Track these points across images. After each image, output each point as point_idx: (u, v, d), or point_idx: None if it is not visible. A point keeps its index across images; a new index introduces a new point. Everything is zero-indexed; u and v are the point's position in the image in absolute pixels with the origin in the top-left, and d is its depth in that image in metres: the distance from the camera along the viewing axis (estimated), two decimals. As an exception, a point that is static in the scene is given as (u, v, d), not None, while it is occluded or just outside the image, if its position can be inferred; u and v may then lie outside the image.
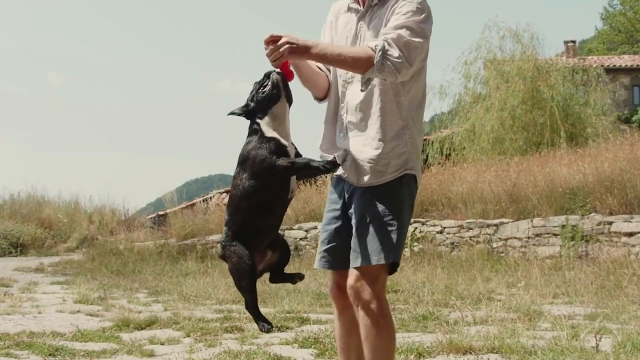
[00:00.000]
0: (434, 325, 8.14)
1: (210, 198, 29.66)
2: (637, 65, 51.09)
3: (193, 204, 27.13)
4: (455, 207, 17.94)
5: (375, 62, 3.95)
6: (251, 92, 4.12)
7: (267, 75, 4.09)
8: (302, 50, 3.94)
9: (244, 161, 4.05)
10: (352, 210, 4.23)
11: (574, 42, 53.00)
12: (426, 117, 43.63)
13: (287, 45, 3.90)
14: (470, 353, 6.63)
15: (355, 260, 4.14)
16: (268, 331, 4.06)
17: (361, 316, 4.14)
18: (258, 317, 4.09)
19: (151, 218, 28.30)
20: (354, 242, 4.16)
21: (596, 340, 6.39)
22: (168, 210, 25.54)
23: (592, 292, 10.63)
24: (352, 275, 4.15)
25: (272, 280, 4.43)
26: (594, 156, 17.76)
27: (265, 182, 3.98)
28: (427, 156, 29.08)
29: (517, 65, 29.34)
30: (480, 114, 28.92)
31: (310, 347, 7.08)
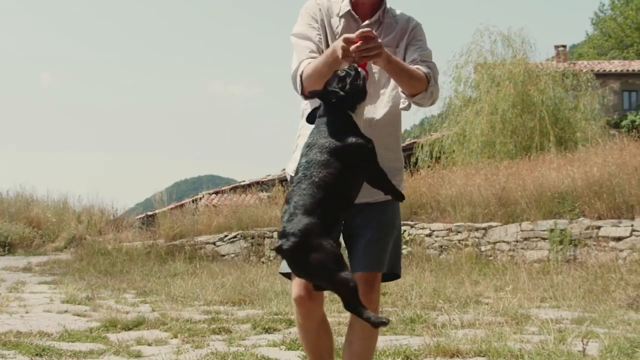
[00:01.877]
0: (422, 328, 8.14)
1: (200, 199, 29.66)
2: (627, 70, 51.35)
3: (182, 205, 27.12)
4: (444, 210, 17.97)
5: (428, 88, 4.13)
6: (339, 81, 3.86)
7: (356, 70, 3.87)
8: (386, 57, 3.88)
9: (345, 151, 3.77)
10: (360, 221, 4.23)
11: (564, 46, 53.22)
12: (416, 120, 43.68)
13: (382, 48, 3.81)
14: (458, 356, 6.64)
15: (376, 266, 4.23)
16: (386, 323, 3.68)
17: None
18: (366, 310, 3.68)
19: (140, 218, 28.24)
20: (371, 249, 4.20)
21: (583, 344, 6.40)
22: (157, 211, 25.52)
23: (580, 296, 10.65)
24: (368, 281, 4.20)
25: (317, 287, 4.11)
26: (583, 161, 17.80)
27: (359, 179, 3.85)
28: (416, 159, 29.14)
29: (507, 69, 29.44)
30: (470, 117, 28.99)
31: (298, 349, 7.07)
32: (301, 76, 4.12)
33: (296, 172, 3.78)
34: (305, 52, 4.19)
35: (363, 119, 4.04)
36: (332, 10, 4.35)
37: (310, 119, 4.02)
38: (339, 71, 3.89)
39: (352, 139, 3.79)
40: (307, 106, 4.30)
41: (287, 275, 4.24)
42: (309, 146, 3.80)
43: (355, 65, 3.87)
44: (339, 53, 3.83)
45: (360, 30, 3.77)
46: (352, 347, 4.31)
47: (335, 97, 3.82)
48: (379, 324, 3.64)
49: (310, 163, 3.73)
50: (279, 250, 3.66)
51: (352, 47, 3.75)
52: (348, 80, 3.82)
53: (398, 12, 4.42)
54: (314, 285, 4.01)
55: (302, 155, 3.79)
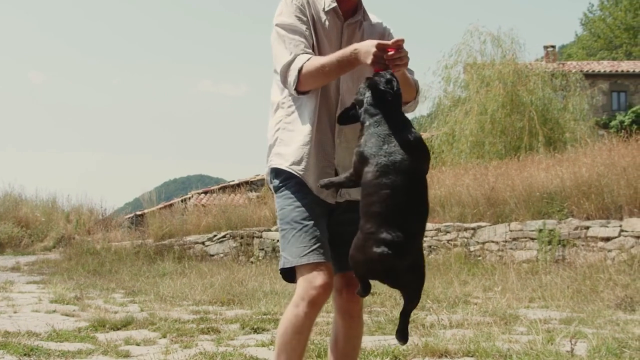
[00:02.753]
0: (410, 328, 8.12)
1: (189, 198, 29.66)
2: (616, 71, 51.57)
3: (171, 204, 27.13)
4: (433, 210, 17.95)
5: (416, 96, 4.30)
6: (386, 82, 3.81)
7: (395, 77, 3.85)
8: None
9: (423, 147, 3.77)
10: (346, 219, 4.15)
11: (553, 47, 53.42)
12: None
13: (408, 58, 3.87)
14: (446, 356, 6.64)
15: None
16: (405, 342, 3.79)
17: (358, 318, 4.29)
18: (407, 327, 3.78)
19: (129, 218, 28.25)
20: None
21: (571, 344, 6.42)
22: (146, 210, 25.53)
23: (568, 296, 10.66)
24: (355, 280, 4.15)
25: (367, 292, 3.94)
26: (571, 161, 17.84)
27: None
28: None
29: (497, 69, 29.49)
30: (460, 117, 29.04)
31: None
32: (300, 71, 4.03)
33: (385, 171, 3.60)
34: (299, 46, 4.10)
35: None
36: (317, 4, 4.26)
37: (344, 119, 3.99)
38: (383, 73, 3.84)
39: (420, 135, 3.81)
40: (285, 99, 4.23)
41: (286, 275, 4.12)
42: (385, 141, 3.68)
43: (391, 71, 3.85)
44: (369, 58, 3.81)
45: (396, 39, 3.78)
46: (338, 347, 4.29)
47: (391, 97, 3.80)
48: (405, 340, 3.76)
49: (405, 158, 3.63)
50: (388, 257, 3.53)
51: (387, 55, 3.77)
52: (395, 84, 3.81)
53: (369, 14, 4.41)
54: (365, 288, 3.81)
55: (382, 154, 3.64)
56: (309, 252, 4.00)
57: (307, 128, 4.16)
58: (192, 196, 30.80)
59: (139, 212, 28.25)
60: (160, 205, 26.52)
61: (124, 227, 25.86)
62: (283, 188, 4.22)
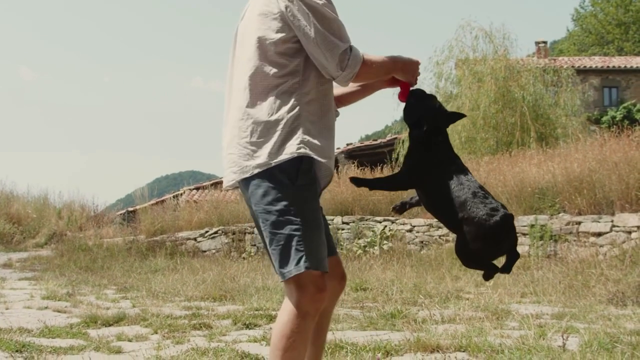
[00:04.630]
0: (402, 324, 8.15)
1: (181, 194, 29.58)
2: (607, 66, 51.66)
3: (163, 201, 27.04)
4: (425, 205, 17.93)
5: None
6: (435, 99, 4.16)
7: None
8: None
9: None
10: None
11: (545, 42, 53.53)
12: (397, 116, 43.75)
13: None
14: (438, 351, 6.64)
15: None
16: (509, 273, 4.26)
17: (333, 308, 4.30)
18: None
19: (121, 214, 28.17)
20: (330, 233, 4.17)
21: (563, 339, 6.42)
22: (138, 207, 25.45)
23: (560, 291, 10.68)
24: (340, 262, 4.30)
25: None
26: (563, 156, 17.83)
27: None
28: (397, 155, 29.07)
29: (489, 65, 29.48)
30: (452, 113, 29.01)
31: (278, 344, 7.04)
32: (362, 62, 3.79)
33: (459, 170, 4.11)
34: (348, 36, 3.84)
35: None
36: None
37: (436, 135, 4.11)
38: (429, 93, 4.17)
39: None
40: (299, 84, 3.82)
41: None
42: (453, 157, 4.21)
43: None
44: (414, 76, 4.03)
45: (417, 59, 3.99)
46: (320, 340, 4.18)
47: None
48: (509, 271, 4.27)
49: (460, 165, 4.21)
50: (507, 218, 3.94)
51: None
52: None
53: None
54: (490, 272, 4.19)
55: (452, 163, 4.15)
56: (323, 260, 3.80)
57: (331, 125, 3.94)
58: (184, 192, 30.71)
59: (130, 209, 28.17)
60: (152, 202, 26.43)
61: (116, 223, 25.80)
62: (309, 184, 3.83)
